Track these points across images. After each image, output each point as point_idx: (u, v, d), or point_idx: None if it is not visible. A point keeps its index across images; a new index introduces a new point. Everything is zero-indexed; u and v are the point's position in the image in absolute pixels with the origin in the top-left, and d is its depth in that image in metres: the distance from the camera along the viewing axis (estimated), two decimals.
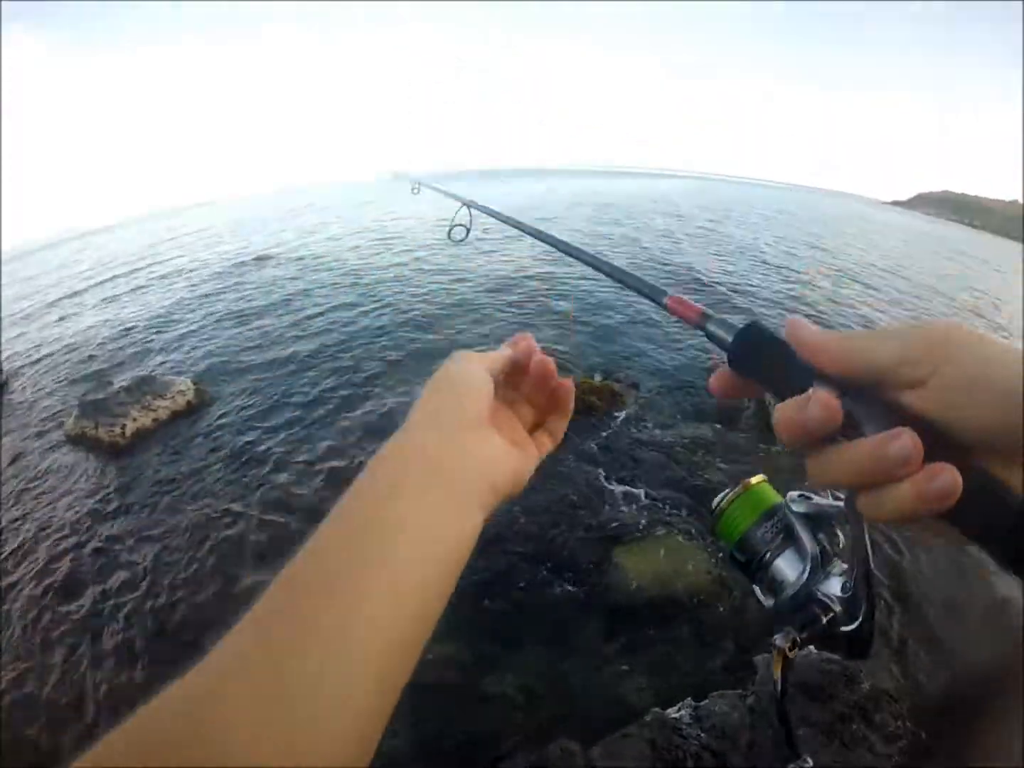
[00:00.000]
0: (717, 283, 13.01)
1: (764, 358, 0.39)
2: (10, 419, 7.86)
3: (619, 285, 0.53)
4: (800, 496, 0.53)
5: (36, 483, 6.18)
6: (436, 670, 3.58)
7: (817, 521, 0.53)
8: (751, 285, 13.24)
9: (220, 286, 14.09)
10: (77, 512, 5.58)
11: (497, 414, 0.50)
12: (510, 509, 4.93)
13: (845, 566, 0.50)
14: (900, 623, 3.85)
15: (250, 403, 7.41)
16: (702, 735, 2.59)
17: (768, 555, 0.54)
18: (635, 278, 0.53)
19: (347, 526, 0.38)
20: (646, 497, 5.33)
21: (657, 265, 14.52)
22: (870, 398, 0.33)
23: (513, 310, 10.38)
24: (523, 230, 0.72)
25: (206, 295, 13.36)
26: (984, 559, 0.33)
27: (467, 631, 3.89)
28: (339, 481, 5.63)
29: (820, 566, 0.51)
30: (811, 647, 0.52)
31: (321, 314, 10.81)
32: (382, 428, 6.57)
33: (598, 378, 7.45)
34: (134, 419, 6.93)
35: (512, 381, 0.55)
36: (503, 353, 0.53)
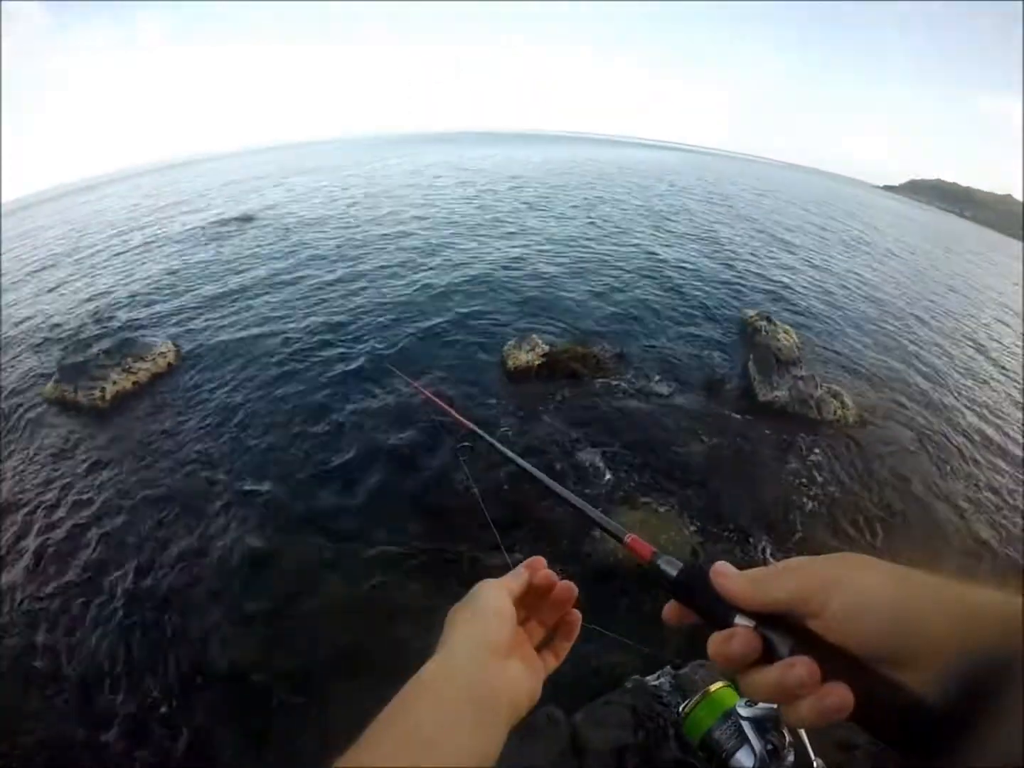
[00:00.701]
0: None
1: (698, 595, 0.46)
2: None
3: (590, 522, 0.59)
4: (747, 703, 0.63)
5: (12, 449, 6.06)
6: (416, 647, 3.59)
7: (764, 722, 0.63)
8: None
9: (203, 247, 13.79)
10: (56, 477, 5.49)
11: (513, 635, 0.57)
12: (496, 477, 4.93)
13: (792, 758, 0.60)
14: None
15: (229, 363, 7.32)
16: (682, 702, 2.60)
17: (725, 754, 0.65)
18: (602, 517, 0.59)
19: (392, 740, 0.44)
20: (627, 467, 5.35)
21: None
22: (780, 626, 0.41)
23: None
24: (514, 463, 0.78)
25: (189, 256, 13.06)
26: None
27: (447, 599, 3.89)
28: (316, 440, 5.62)
29: (769, 762, 0.60)
30: None
31: (301, 275, 10.69)
32: (356, 385, 6.60)
33: (606, 348, 7.44)
34: (114, 382, 6.79)
35: (524, 601, 0.60)
36: (522, 578, 0.60)
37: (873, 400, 7.44)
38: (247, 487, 5.07)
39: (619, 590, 4.01)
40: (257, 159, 58.78)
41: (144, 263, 13.06)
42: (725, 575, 0.44)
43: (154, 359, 7.24)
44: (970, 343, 11.53)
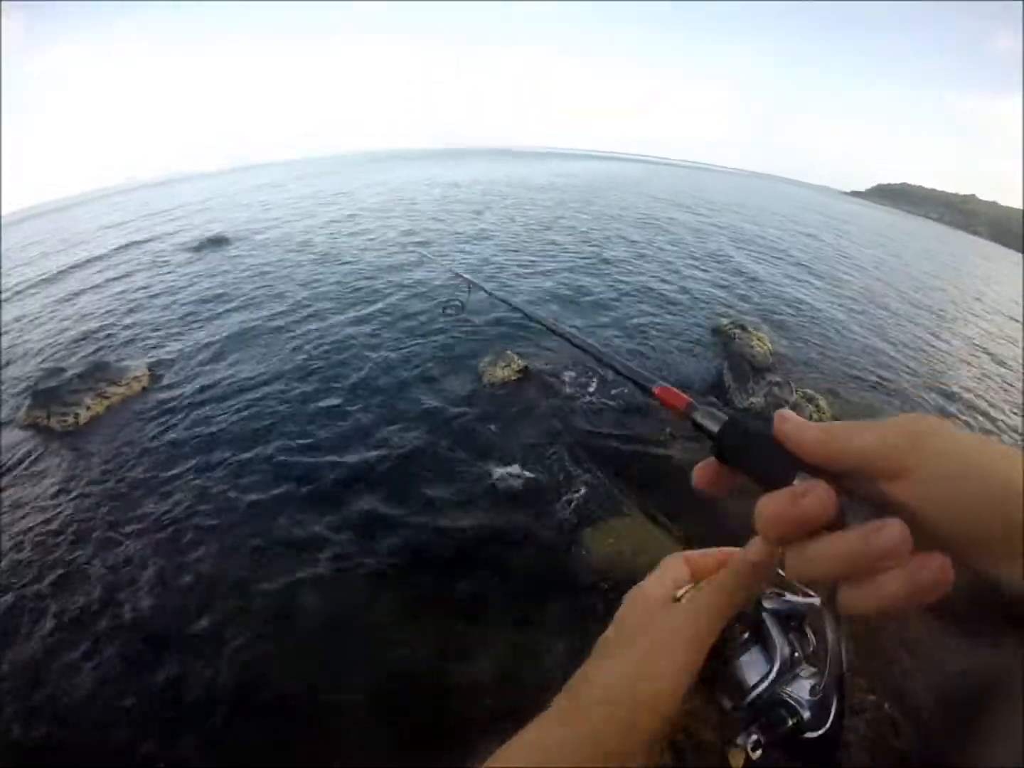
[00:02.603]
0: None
1: (749, 449, 0.39)
2: None
3: (613, 371, 0.53)
4: (772, 593, 0.51)
5: None
6: (404, 658, 3.58)
7: (788, 620, 0.50)
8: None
9: (179, 270, 13.64)
10: (26, 504, 5.36)
11: None
12: (472, 491, 4.95)
13: (813, 669, 0.48)
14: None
15: (204, 388, 7.23)
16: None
17: (729, 654, 0.51)
18: (626, 366, 0.52)
19: None
20: (605, 476, 5.38)
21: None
22: (852, 489, 0.33)
23: None
24: (524, 316, 0.74)
25: (164, 278, 12.93)
26: None
27: (433, 617, 3.90)
28: (290, 469, 5.56)
29: (789, 667, 0.48)
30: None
31: (278, 297, 10.61)
32: (333, 404, 6.55)
33: (580, 360, 7.47)
34: (88, 407, 6.68)
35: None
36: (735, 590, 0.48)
37: (848, 402, 7.60)
38: (220, 510, 5.02)
39: (606, 589, 4.03)
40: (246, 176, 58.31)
41: (119, 286, 12.89)
42: (793, 421, 0.36)
43: (128, 383, 7.14)
44: (943, 338, 11.86)
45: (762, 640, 0.50)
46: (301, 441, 5.97)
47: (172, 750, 3.25)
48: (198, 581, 4.33)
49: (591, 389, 6.95)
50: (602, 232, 17.33)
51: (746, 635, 0.50)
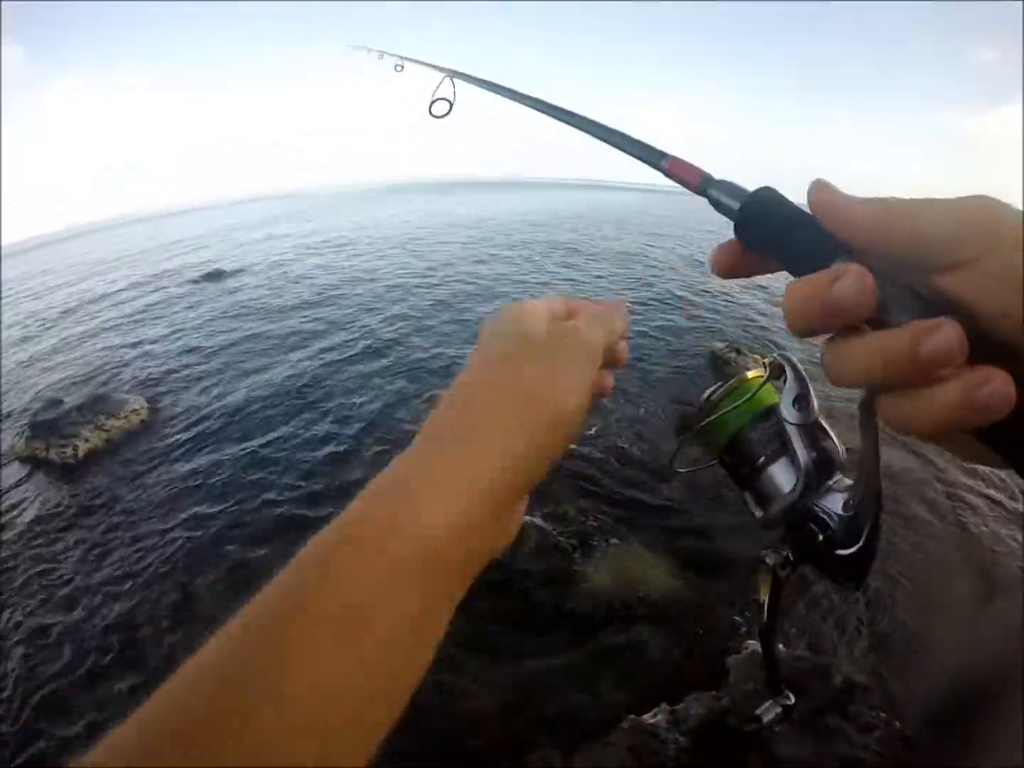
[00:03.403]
0: None
1: (778, 227, 0.32)
2: None
3: (614, 148, 0.48)
4: (796, 402, 0.46)
5: None
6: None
7: (816, 430, 0.46)
8: None
9: (177, 301, 13.76)
10: (24, 536, 5.32)
11: None
12: None
13: (849, 482, 0.43)
14: (874, 608, 3.94)
15: (203, 422, 7.21)
16: (680, 738, 2.60)
17: (763, 460, 0.47)
18: (631, 140, 0.46)
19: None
20: (605, 505, 5.34)
21: None
22: (900, 280, 0.27)
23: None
24: (514, 98, 0.69)
25: (162, 310, 13.04)
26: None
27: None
28: (292, 502, 5.51)
29: (817, 479, 0.44)
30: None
31: (281, 330, 10.66)
32: (327, 447, 6.49)
33: None
34: (86, 440, 6.66)
35: None
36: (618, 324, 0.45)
37: (847, 423, 7.55)
38: (217, 544, 4.98)
39: (606, 619, 3.99)
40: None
41: (118, 317, 13.00)
42: (838, 192, 0.29)
43: (127, 416, 7.12)
44: None
45: (789, 453, 0.46)
46: (298, 472, 5.94)
47: None
48: (194, 616, 4.28)
49: (588, 422, 6.84)
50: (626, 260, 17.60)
51: (777, 442, 0.47)
